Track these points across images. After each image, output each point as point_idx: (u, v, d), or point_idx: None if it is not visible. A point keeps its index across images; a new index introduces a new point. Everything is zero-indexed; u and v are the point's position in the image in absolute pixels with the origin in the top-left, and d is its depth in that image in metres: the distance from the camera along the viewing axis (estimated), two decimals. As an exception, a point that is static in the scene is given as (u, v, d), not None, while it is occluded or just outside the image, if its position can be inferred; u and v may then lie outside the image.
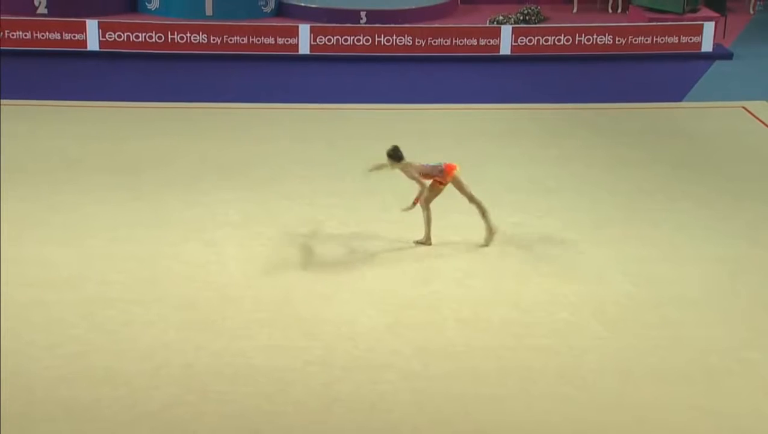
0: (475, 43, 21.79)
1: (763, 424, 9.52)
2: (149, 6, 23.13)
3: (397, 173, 12.68)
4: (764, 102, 18.87)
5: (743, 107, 18.70)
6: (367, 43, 21.62)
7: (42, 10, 22.37)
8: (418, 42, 21.66)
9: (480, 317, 11.16)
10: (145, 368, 10.08)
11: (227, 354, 10.35)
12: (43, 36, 21.00)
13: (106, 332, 10.71)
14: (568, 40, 21.98)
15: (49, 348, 10.39)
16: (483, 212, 12.69)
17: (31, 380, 9.85)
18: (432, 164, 12.57)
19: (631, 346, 10.72)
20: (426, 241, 12.71)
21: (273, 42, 21.43)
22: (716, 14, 23.47)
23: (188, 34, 21.24)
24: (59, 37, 21.03)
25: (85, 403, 9.54)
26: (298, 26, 21.64)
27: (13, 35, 20.91)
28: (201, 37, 21.26)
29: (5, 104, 17.68)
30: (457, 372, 10.17)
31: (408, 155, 15.88)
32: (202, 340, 10.56)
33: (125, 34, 21.13)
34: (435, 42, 21.71)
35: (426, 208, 12.60)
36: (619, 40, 22.08)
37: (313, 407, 9.58)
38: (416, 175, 12.50)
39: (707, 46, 22.26)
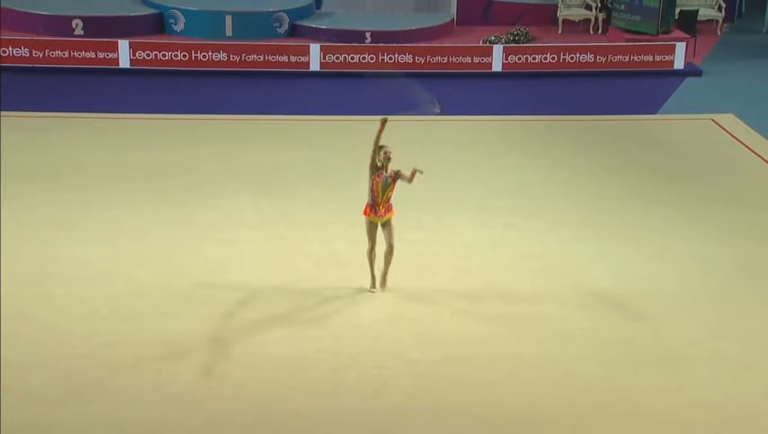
0: (470, 61, 21.76)
1: (732, 408, 9.50)
2: (175, 27, 23.11)
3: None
4: (731, 115, 18.81)
5: (712, 120, 18.65)
6: (372, 61, 21.57)
7: (78, 31, 22.35)
8: (418, 60, 21.63)
9: (474, 310, 11.13)
10: (170, 355, 10.06)
11: (244, 343, 10.32)
12: (79, 55, 20.97)
13: (135, 323, 10.68)
14: (553, 59, 21.95)
15: (84, 337, 10.37)
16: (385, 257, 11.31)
17: (68, 366, 9.84)
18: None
19: (612, 336, 10.68)
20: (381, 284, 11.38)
21: (286, 60, 21.40)
22: (687, 35, 23.45)
23: (210, 53, 21.21)
24: (94, 56, 21.00)
25: (117, 387, 9.52)
26: (309, 46, 21.61)
27: (52, 54, 20.89)
28: (221, 56, 21.23)
29: (44, 117, 17.70)
30: (453, 359, 10.14)
31: (409, 162, 15.85)
32: (221, 331, 10.54)
33: (153, 53, 21.11)
34: (433, 60, 21.68)
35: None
36: (599, 59, 22.06)
37: (322, 391, 9.55)
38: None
39: (679, 64, 22.24)
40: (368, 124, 18.08)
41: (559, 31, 24.88)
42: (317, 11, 24.56)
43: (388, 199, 11.14)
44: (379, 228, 11.21)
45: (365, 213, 11.19)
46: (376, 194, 11.06)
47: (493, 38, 23.20)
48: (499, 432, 9.06)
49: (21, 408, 9.13)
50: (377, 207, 11.07)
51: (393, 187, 11.18)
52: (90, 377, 9.66)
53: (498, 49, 21.87)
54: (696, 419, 9.30)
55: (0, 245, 12.26)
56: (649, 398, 9.56)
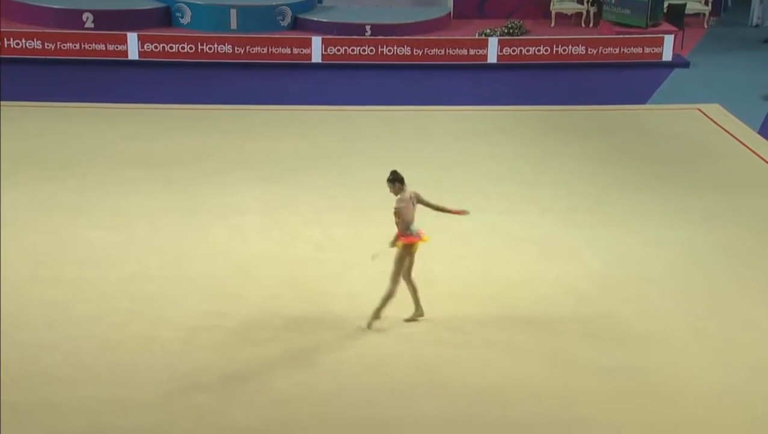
0: (466, 53, 21.74)
1: (714, 385, 9.54)
2: (182, 21, 23.08)
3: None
4: (717, 105, 18.82)
5: (698, 109, 18.65)
6: (372, 53, 21.57)
7: (89, 24, 22.32)
8: (416, 52, 21.60)
9: (470, 293, 11.16)
10: (178, 336, 10.10)
11: (250, 324, 10.36)
12: (90, 47, 20.95)
13: (144, 304, 10.72)
14: (547, 51, 21.92)
15: (95, 318, 10.42)
16: (415, 291, 10.45)
17: (80, 345, 9.88)
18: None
19: (600, 317, 10.72)
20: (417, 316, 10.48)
21: (289, 52, 21.38)
22: (675, 28, 23.42)
23: (215, 45, 21.19)
24: (104, 48, 20.98)
25: (127, 366, 9.57)
26: (311, 38, 21.58)
27: (64, 47, 20.87)
28: (226, 48, 21.21)
29: (58, 107, 17.70)
30: (450, 340, 10.18)
31: (406, 151, 15.89)
32: (228, 312, 10.57)
33: (161, 46, 21.08)
34: (431, 52, 21.65)
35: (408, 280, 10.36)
36: (591, 51, 22.03)
37: (325, 369, 9.60)
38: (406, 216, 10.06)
39: (667, 55, 22.22)
40: (367, 113, 18.19)
41: (552, 24, 24.85)
42: (319, 5, 24.55)
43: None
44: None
45: (417, 240, 10.06)
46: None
47: (488, 31, 23.18)
48: (493, 407, 9.10)
49: (35, 387, 9.19)
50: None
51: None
52: (101, 357, 9.70)
53: (493, 42, 21.85)
54: (680, 395, 9.34)
55: (10, 229, 12.31)
56: (634, 375, 9.60)
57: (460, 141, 16.50)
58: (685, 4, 24.57)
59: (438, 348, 10.02)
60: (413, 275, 10.34)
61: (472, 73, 21.19)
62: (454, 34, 23.27)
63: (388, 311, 10.42)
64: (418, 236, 10.13)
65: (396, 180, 10.08)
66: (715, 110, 18.55)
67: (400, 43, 21.63)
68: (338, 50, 21.45)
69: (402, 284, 10.32)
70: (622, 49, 22.12)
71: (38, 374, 9.39)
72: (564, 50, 21.94)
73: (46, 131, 16.29)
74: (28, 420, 8.75)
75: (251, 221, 13.01)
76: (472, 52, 21.74)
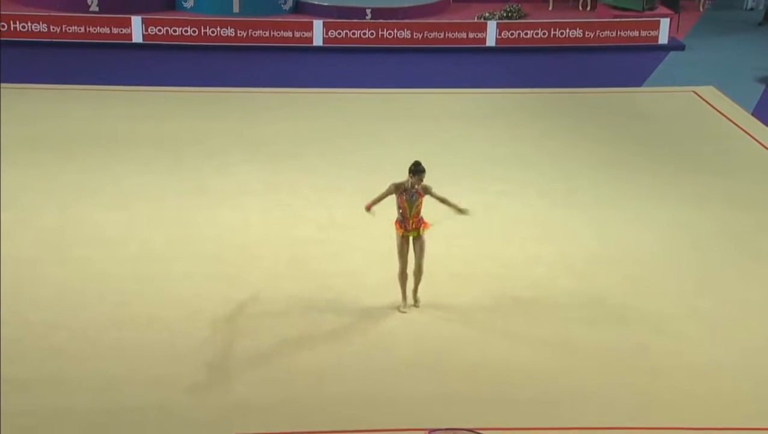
0: (465, 36, 21.67)
1: (706, 361, 9.58)
2: (185, 4, 22.98)
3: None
4: (711, 87, 18.78)
5: (693, 92, 18.62)
6: (372, 37, 21.50)
7: (94, 7, 22.21)
8: (416, 35, 21.54)
9: (468, 272, 11.17)
10: (182, 314, 10.12)
11: (251, 303, 10.38)
12: (94, 30, 20.88)
13: (148, 284, 10.74)
14: (544, 34, 21.87)
15: (100, 297, 10.43)
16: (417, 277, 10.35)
17: (85, 324, 9.90)
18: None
19: (596, 297, 10.74)
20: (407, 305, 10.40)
21: (291, 35, 21.32)
22: (671, 11, 23.35)
23: (218, 29, 21.12)
24: (108, 31, 20.92)
25: (132, 344, 9.59)
26: (312, 22, 21.51)
27: (69, 30, 20.81)
28: (229, 31, 21.14)
29: (63, 90, 17.65)
30: (448, 318, 10.21)
31: (406, 133, 15.85)
32: (230, 291, 10.59)
33: (165, 29, 21.01)
34: (430, 35, 21.59)
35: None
36: (588, 34, 21.98)
37: (326, 348, 9.62)
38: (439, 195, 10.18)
39: (663, 39, 22.17)
40: (367, 96, 18.15)
41: (550, 8, 24.77)
42: (320, -11, 24.43)
43: (418, 213, 10.12)
44: (411, 243, 10.23)
45: (395, 228, 10.22)
46: (404, 210, 10.10)
47: (487, 15, 23.10)
48: (490, 385, 9.13)
49: (42, 364, 9.22)
50: (407, 222, 10.12)
51: (421, 201, 10.11)
52: (106, 335, 9.72)
53: (492, 25, 21.79)
54: (673, 371, 9.37)
55: (16, 210, 12.32)
56: (629, 353, 9.63)
57: (458, 123, 16.47)
58: (681, -12, 24.52)
59: (437, 326, 10.05)
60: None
61: (471, 57, 21.12)
62: (454, 17, 23.19)
63: (389, 293, 10.45)
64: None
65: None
66: (709, 92, 18.52)
67: (400, 27, 21.57)
68: (339, 34, 21.39)
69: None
70: (618, 33, 22.06)
71: (45, 351, 9.41)
72: (561, 34, 21.88)
73: (51, 114, 16.25)
74: (35, 395, 8.78)
75: (254, 201, 13.01)
76: (471, 35, 21.67)
